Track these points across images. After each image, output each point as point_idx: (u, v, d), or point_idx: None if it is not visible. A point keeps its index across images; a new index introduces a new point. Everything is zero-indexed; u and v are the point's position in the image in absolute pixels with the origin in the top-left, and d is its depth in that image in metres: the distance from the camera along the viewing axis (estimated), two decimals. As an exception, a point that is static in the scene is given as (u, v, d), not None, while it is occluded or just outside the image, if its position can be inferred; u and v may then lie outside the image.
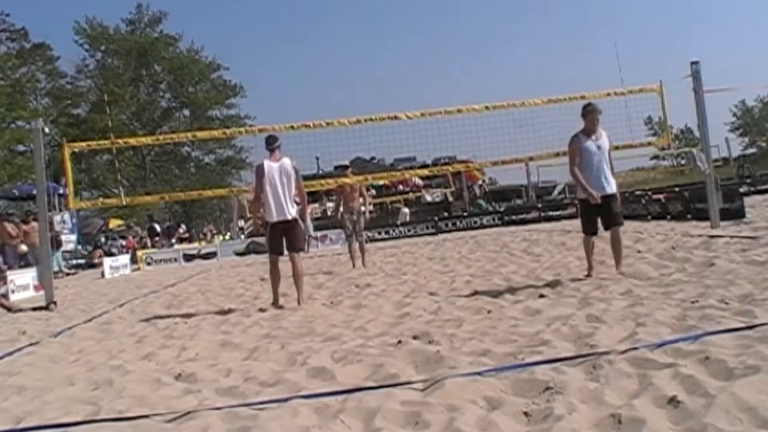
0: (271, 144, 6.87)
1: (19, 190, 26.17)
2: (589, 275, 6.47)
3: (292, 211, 6.72)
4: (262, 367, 3.99)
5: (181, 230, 28.97)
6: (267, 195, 6.67)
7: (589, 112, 6.45)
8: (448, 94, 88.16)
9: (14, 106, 34.99)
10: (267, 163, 6.75)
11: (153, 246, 25.09)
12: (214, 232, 29.30)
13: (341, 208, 11.06)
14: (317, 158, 19.58)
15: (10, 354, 5.34)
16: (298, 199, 7.13)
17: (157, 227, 28.10)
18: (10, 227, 15.77)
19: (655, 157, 48.12)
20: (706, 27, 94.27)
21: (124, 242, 25.10)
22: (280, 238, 6.76)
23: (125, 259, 20.11)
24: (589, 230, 6.55)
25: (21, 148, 34.73)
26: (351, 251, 11.22)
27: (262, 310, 6.62)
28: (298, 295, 6.80)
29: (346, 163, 12.05)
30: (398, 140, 11.22)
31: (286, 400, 3.13)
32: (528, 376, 3.12)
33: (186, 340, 5.29)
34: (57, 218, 22.24)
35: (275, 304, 6.74)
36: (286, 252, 6.81)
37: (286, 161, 6.81)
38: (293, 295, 6.92)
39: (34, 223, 16.35)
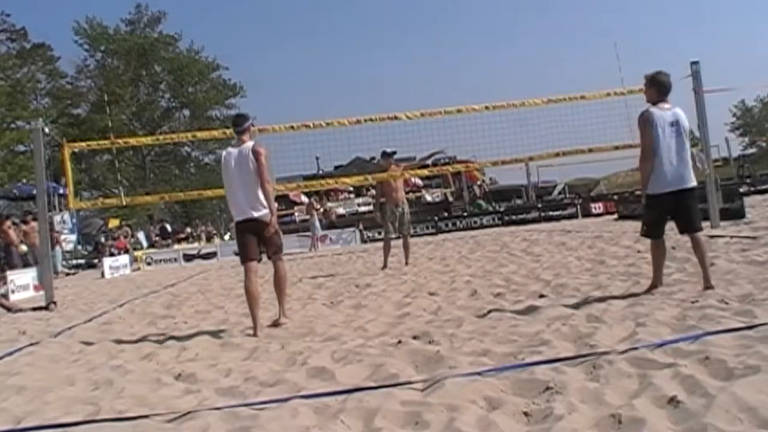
0: (240, 124, 5.50)
1: (19, 190, 26.20)
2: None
3: (258, 209, 5.32)
4: (262, 367, 3.99)
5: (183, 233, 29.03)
6: (228, 189, 5.48)
7: None
8: (448, 94, 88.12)
9: (15, 107, 35.01)
10: (227, 152, 5.53)
11: (153, 246, 25.09)
12: (214, 232, 29.23)
13: (383, 201, 10.19)
14: (317, 158, 19.59)
15: (10, 354, 5.32)
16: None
17: (168, 227, 28.20)
18: (13, 228, 15.79)
19: (656, 157, 48.02)
20: (706, 27, 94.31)
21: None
22: (251, 241, 5.41)
23: (125, 259, 20.12)
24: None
25: (21, 148, 34.74)
26: (386, 249, 10.23)
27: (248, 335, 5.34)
28: (279, 305, 5.62)
29: (388, 150, 10.56)
30: (398, 140, 11.17)
31: (286, 400, 3.13)
32: (528, 376, 3.12)
33: (186, 340, 5.29)
34: (57, 218, 22.28)
35: (254, 330, 5.27)
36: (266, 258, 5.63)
37: (247, 145, 5.38)
38: (294, 294, 6.85)
39: (33, 224, 16.36)
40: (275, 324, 5.51)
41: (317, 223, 21.28)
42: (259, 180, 5.29)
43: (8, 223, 15.89)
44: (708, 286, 4.96)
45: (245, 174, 5.30)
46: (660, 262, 5.21)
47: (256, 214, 5.30)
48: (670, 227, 5.25)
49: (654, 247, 5.20)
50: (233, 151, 5.45)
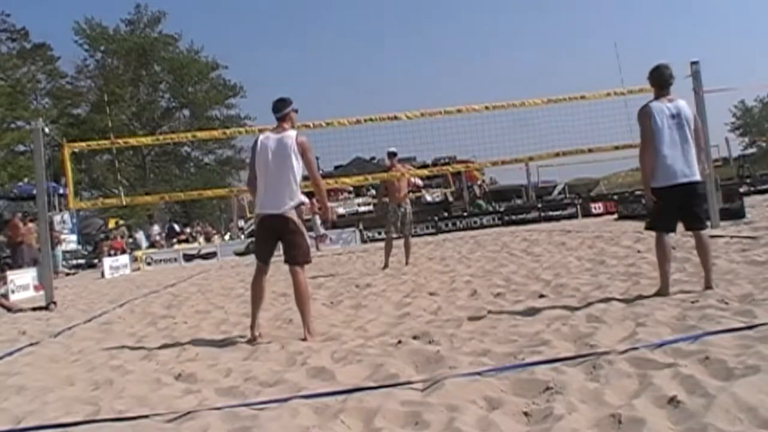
0: (280, 110, 4.98)
1: (20, 190, 26.18)
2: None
3: (286, 203, 4.81)
4: (262, 367, 3.99)
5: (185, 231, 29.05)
6: (258, 179, 4.93)
7: None
8: (448, 95, 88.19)
9: (15, 107, 34.98)
10: (264, 137, 4.98)
11: (153, 246, 25.07)
12: (214, 232, 29.16)
13: (386, 200, 10.25)
14: (317, 158, 19.58)
15: (10, 354, 5.33)
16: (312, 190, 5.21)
17: (176, 227, 28.24)
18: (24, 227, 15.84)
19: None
20: (706, 27, 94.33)
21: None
22: (270, 240, 4.95)
23: (125, 259, 20.11)
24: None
25: (21, 148, 34.73)
26: (387, 249, 10.27)
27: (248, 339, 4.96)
28: (303, 323, 4.90)
29: (393, 150, 10.50)
30: (398, 140, 11.18)
31: (286, 400, 3.13)
32: (528, 376, 3.12)
33: (186, 340, 5.28)
34: (57, 218, 22.27)
35: (252, 330, 4.94)
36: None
37: (290, 134, 4.87)
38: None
39: (30, 225, 16.39)
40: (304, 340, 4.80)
41: (318, 223, 21.25)
42: (311, 177, 5.00)
43: (17, 221, 15.95)
44: (708, 286, 4.95)
45: (281, 165, 4.81)
46: (665, 265, 5.03)
47: (282, 210, 4.81)
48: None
49: (657, 244, 5.08)
50: (272, 137, 4.90)
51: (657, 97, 5.13)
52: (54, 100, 40.38)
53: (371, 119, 10.61)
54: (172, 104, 44.45)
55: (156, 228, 27.49)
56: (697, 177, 5.02)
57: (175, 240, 26.42)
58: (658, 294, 4.99)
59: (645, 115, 5.02)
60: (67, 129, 35.77)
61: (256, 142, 4.99)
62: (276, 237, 4.92)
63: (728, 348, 3.23)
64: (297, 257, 4.89)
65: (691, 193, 5.00)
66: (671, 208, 5.04)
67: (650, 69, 5.20)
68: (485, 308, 5.26)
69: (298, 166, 4.83)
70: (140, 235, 26.28)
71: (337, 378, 3.54)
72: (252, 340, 4.87)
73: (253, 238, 6.02)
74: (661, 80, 5.15)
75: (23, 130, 32.99)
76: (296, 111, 5.09)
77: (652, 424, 2.38)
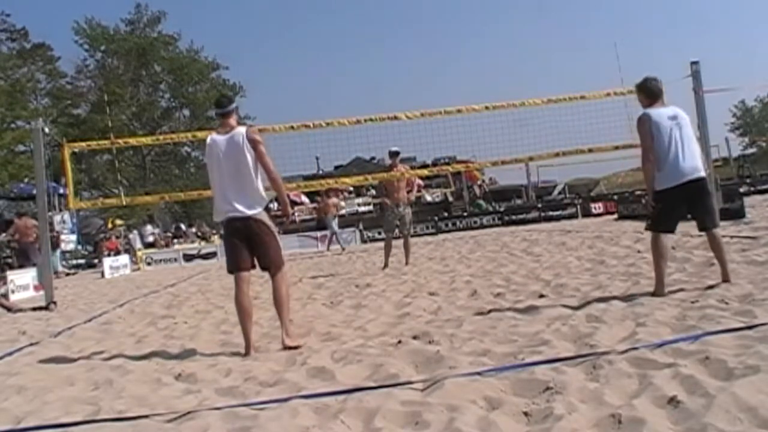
0: (225, 105, 4.74)
1: (19, 189, 26.17)
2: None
3: (252, 206, 4.55)
4: (262, 367, 4.00)
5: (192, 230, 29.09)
6: (212, 182, 4.70)
7: None
8: (448, 94, 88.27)
9: (14, 106, 34.94)
10: (211, 139, 4.70)
11: (153, 246, 25.06)
12: (213, 232, 29.10)
13: (387, 200, 10.30)
14: (317, 158, 19.62)
15: (10, 354, 5.34)
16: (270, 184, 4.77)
17: (183, 226, 28.26)
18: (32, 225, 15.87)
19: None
20: (706, 27, 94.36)
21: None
22: (240, 246, 4.55)
23: (125, 259, 20.11)
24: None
25: (21, 148, 34.71)
26: (387, 249, 10.29)
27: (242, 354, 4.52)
28: (282, 327, 4.63)
29: (396, 149, 10.42)
30: (398, 140, 11.18)
31: (286, 400, 3.13)
32: (528, 376, 3.12)
33: (186, 340, 5.29)
34: (57, 218, 22.26)
35: (247, 349, 4.49)
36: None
37: (239, 131, 4.60)
38: (294, 294, 6.77)
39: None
40: (285, 348, 4.51)
41: (330, 222, 21.15)
42: (265, 171, 4.59)
43: (29, 220, 15.98)
44: (726, 280, 5.07)
45: (237, 165, 4.52)
46: (661, 265, 5.01)
47: (249, 212, 4.51)
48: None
49: (655, 245, 5.05)
50: (219, 138, 4.63)
51: (649, 106, 5.18)
52: (54, 100, 40.32)
53: (371, 119, 10.60)
54: (172, 104, 44.43)
55: (149, 228, 27.43)
56: (704, 173, 5.08)
57: (175, 240, 26.42)
58: (653, 295, 4.96)
59: (644, 122, 5.05)
60: (67, 129, 35.76)
61: (207, 146, 4.74)
62: (246, 242, 4.57)
63: (728, 348, 3.23)
64: (276, 260, 4.65)
65: (701, 189, 5.04)
66: (678, 208, 5.05)
67: (639, 82, 5.31)
68: (485, 308, 5.26)
69: (255, 164, 4.56)
70: (134, 235, 26.21)
71: (337, 378, 3.55)
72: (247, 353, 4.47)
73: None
74: (651, 92, 5.23)
75: (23, 130, 32.93)
76: (232, 111, 4.80)
77: (652, 424, 2.38)
